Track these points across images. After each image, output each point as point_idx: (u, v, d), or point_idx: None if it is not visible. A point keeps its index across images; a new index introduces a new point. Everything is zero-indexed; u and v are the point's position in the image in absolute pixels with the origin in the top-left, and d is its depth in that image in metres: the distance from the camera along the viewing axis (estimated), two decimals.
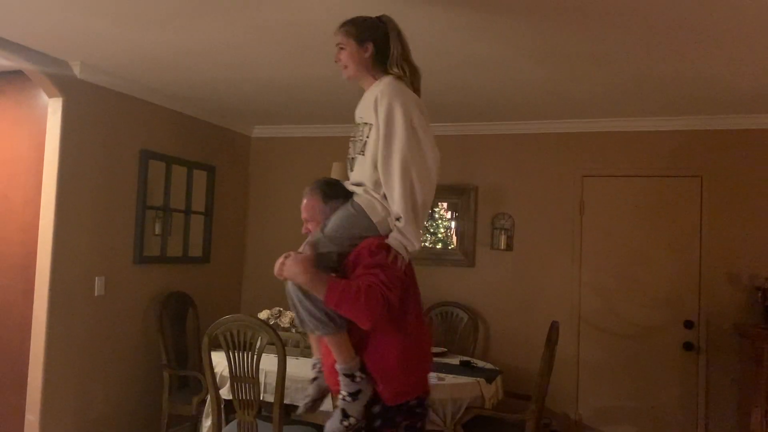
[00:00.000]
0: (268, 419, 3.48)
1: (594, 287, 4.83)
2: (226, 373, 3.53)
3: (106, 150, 4.27)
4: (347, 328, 2.00)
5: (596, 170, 4.88)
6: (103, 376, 4.27)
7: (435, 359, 4.12)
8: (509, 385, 4.30)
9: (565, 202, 4.93)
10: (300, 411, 2.24)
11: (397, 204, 1.95)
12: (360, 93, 2.21)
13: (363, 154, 2.07)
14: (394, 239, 1.96)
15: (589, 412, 4.78)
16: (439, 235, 5.32)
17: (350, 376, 1.97)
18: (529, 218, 5.01)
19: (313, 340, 2.29)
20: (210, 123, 5.31)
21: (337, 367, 2.00)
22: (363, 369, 1.99)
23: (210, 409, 3.64)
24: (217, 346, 3.49)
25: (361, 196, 2.05)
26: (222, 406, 3.58)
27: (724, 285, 4.50)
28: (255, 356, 3.40)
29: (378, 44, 2.11)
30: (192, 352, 4.82)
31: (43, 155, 4.00)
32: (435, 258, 5.26)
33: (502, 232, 5.03)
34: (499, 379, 4.00)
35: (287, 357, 3.40)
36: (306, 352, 4.04)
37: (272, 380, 3.49)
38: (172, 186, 4.86)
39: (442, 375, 3.71)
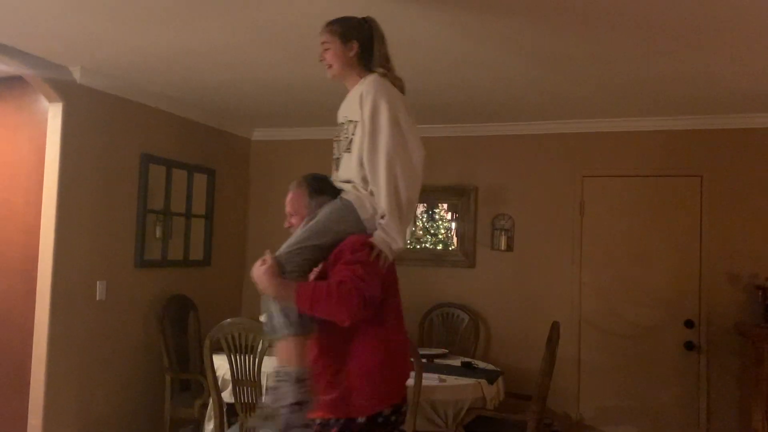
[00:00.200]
0: None
1: (594, 287, 4.84)
2: (228, 376, 3.54)
3: (106, 154, 4.28)
4: (325, 334, 1.96)
5: (596, 170, 4.88)
6: (105, 380, 4.28)
7: (437, 360, 4.16)
8: (510, 386, 4.31)
9: (565, 203, 4.93)
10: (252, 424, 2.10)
11: (382, 201, 1.95)
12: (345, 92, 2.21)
13: (349, 152, 2.06)
14: (378, 237, 1.94)
15: (590, 412, 4.79)
16: (440, 236, 5.33)
17: (300, 382, 1.90)
18: (530, 219, 5.01)
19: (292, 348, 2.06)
20: (210, 126, 5.32)
21: (288, 369, 1.92)
22: (308, 378, 1.92)
23: (212, 413, 3.65)
24: (218, 350, 3.50)
25: (350, 193, 2.04)
26: (224, 409, 3.58)
27: (725, 284, 4.50)
28: (257, 359, 3.40)
29: (363, 43, 2.12)
30: (194, 356, 4.82)
31: (44, 159, 4.01)
32: (435, 259, 5.27)
33: (503, 233, 5.03)
34: (500, 379, 4.01)
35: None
36: None
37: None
38: (173, 189, 4.86)
39: (443, 376, 3.71)
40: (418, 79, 3.90)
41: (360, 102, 2.02)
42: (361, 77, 2.11)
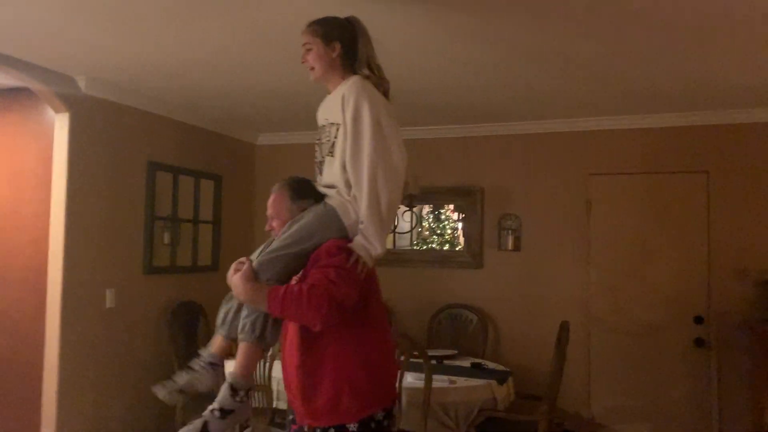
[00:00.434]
0: (281, 426, 3.49)
1: (603, 286, 4.83)
2: None
3: (113, 163, 4.30)
4: (307, 342, 1.95)
5: (602, 168, 4.87)
6: (116, 387, 4.30)
7: (446, 362, 4.15)
8: (520, 386, 4.31)
9: (572, 201, 4.93)
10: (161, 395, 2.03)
11: (362, 206, 1.92)
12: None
13: (332, 155, 2.03)
14: (357, 242, 1.92)
15: (601, 411, 4.78)
16: (446, 237, 5.33)
17: (234, 391, 1.88)
18: (537, 218, 5.01)
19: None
20: (215, 132, 5.34)
21: (228, 373, 1.92)
22: (247, 395, 1.91)
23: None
24: (229, 355, 3.50)
25: (333, 198, 2.01)
26: None
27: (733, 280, 4.48)
28: (267, 364, 3.41)
29: (346, 44, 2.07)
30: None
31: (51, 170, 4.03)
32: (442, 260, 5.27)
33: (510, 233, 5.03)
34: (510, 380, 4.00)
35: None
36: None
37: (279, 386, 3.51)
38: (180, 196, 4.89)
39: (453, 378, 3.71)
40: (420, 80, 3.91)
41: (342, 105, 1.98)
42: (343, 79, 2.07)
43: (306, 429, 1.98)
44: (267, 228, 2.10)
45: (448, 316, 5.11)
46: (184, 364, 4.87)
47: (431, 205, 5.35)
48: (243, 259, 1.96)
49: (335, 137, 2.01)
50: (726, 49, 3.26)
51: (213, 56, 3.55)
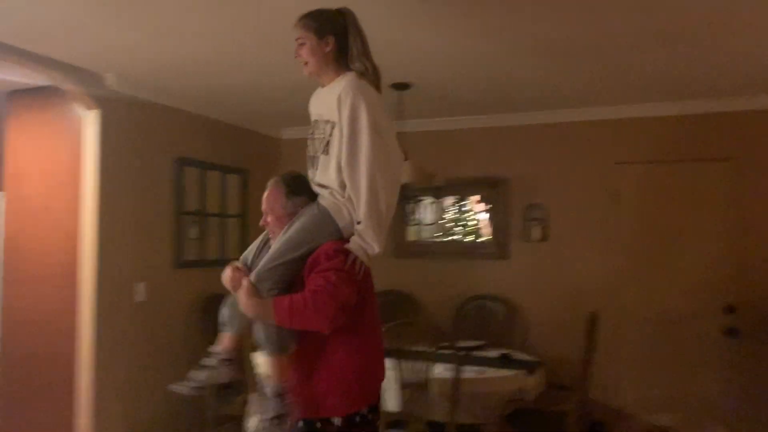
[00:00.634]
0: None
1: (631, 275, 4.78)
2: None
3: (142, 159, 4.36)
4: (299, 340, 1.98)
5: (630, 157, 4.82)
6: (149, 379, 4.37)
7: (475, 353, 4.14)
8: (550, 377, 4.28)
9: (600, 190, 4.88)
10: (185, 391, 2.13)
11: (360, 207, 1.92)
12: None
13: (326, 154, 2.02)
14: (354, 243, 1.92)
15: (631, 401, 4.74)
16: (472, 229, 5.32)
17: (279, 397, 1.94)
18: (564, 208, 4.97)
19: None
20: (241, 127, 5.38)
21: (269, 387, 1.96)
22: (287, 392, 1.95)
23: (252, 409, 3.70)
24: (241, 346, 3.54)
25: (326, 199, 2.01)
26: None
27: (765, 268, 4.41)
28: None
29: (339, 38, 2.04)
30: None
31: (81, 166, 4.10)
32: (468, 251, 5.26)
33: (536, 223, 5.00)
34: (539, 370, 3.98)
35: None
36: None
37: None
38: (207, 191, 4.94)
39: (482, 369, 3.71)
40: (443, 71, 3.90)
41: (338, 104, 1.96)
42: (337, 74, 2.05)
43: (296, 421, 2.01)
44: (261, 223, 2.12)
45: (475, 308, 5.10)
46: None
47: (456, 197, 5.33)
48: (237, 264, 2.03)
49: (330, 135, 2.00)
50: (748, 33, 3.20)
51: (239, 52, 3.57)
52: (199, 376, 2.09)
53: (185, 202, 4.70)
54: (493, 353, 4.20)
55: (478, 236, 5.28)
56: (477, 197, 5.30)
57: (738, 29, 3.15)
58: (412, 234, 5.50)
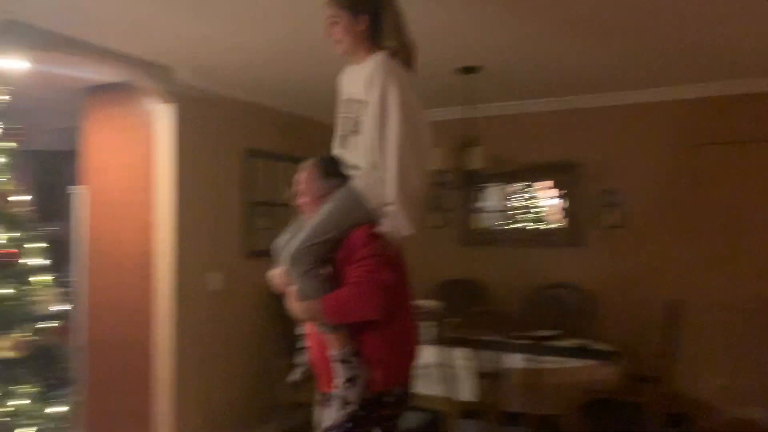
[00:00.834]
0: None
1: (711, 260, 4.56)
2: None
3: (213, 151, 4.44)
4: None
5: (710, 138, 4.58)
6: (224, 366, 4.47)
7: (549, 342, 4.04)
8: (628, 367, 4.12)
9: (678, 174, 4.66)
10: (292, 379, 2.21)
11: (391, 188, 1.92)
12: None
13: (357, 134, 2.02)
14: (386, 224, 1.93)
15: (713, 393, 4.53)
16: (544, 215, 5.19)
17: (346, 362, 1.94)
18: (640, 192, 4.78)
19: None
20: (309, 118, 5.41)
21: (332, 353, 1.97)
22: (356, 353, 1.95)
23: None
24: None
25: (358, 180, 2.00)
26: None
27: None
28: None
29: (373, 16, 2.01)
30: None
31: (153, 159, 4.21)
32: (538, 239, 5.15)
33: (612, 209, 4.83)
34: (617, 360, 3.85)
35: None
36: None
37: None
38: (276, 181, 5.00)
39: (559, 359, 3.61)
40: (511, 54, 3.80)
41: (369, 84, 1.95)
42: (370, 52, 2.02)
43: (325, 395, 2.06)
44: (296, 204, 2.14)
45: (547, 296, 4.97)
46: (285, 342, 5.00)
47: (525, 183, 5.21)
48: (279, 275, 2.09)
49: (361, 115, 1.99)
50: None
51: (309, 43, 3.56)
52: (302, 359, 2.18)
53: (255, 192, 4.77)
54: (569, 343, 4.09)
55: (548, 223, 5.15)
56: (547, 183, 5.16)
57: None
58: (479, 222, 5.41)
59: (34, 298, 2.51)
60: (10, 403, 2.32)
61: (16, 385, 2.31)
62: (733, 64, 4.06)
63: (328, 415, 1.99)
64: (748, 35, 3.46)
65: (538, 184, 5.21)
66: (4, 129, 2.59)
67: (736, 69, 4.17)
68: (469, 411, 3.42)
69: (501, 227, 5.34)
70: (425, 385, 3.60)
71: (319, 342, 2.05)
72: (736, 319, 4.48)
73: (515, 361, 3.46)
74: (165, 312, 4.13)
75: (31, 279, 2.54)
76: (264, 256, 4.81)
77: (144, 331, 4.23)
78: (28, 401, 2.33)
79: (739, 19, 3.22)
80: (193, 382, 4.23)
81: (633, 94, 4.75)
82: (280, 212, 5.06)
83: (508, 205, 5.32)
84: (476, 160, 4.29)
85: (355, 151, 2.04)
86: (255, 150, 4.78)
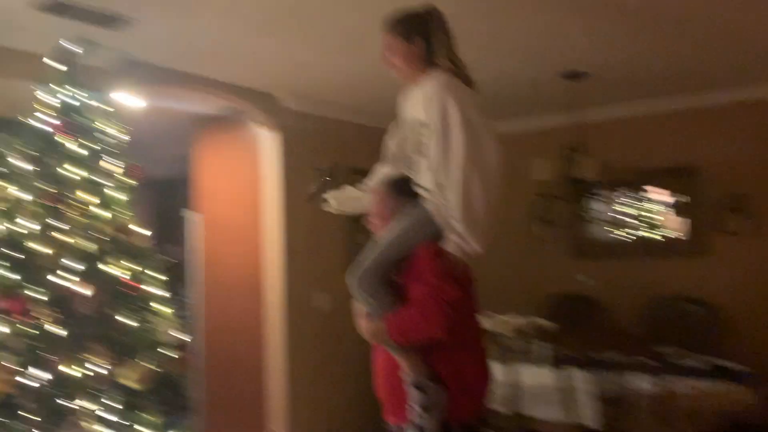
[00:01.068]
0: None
1: None
2: None
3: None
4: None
5: None
6: (334, 385, 4.49)
7: (677, 362, 3.77)
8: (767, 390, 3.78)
9: None
10: None
11: (455, 206, 1.88)
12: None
13: (422, 155, 1.99)
14: (451, 242, 1.89)
15: None
16: (660, 224, 4.88)
17: (422, 388, 1.88)
18: None
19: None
20: None
21: (406, 378, 1.91)
22: (433, 378, 1.88)
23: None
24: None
25: (428, 201, 1.96)
26: None
27: None
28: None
29: (426, 38, 2.03)
30: None
31: (261, 184, 4.32)
32: (655, 248, 4.84)
33: (740, 215, 4.45)
34: (755, 382, 3.53)
35: (515, 365, 3.30)
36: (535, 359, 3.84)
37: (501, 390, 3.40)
38: None
39: (687, 380, 3.35)
40: (616, 53, 3.60)
41: (429, 103, 1.94)
42: (426, 73, 2.02)
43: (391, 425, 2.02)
44: (366, 222, 2.14)
45: (668, 310, 4.65)
46: None
47: (639, 190, 4.93)
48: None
49: (424, 136, 1.98)
50: None
51: None
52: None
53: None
54: (698, 362, 3.79)
55: (665, 232, 4.84)
56: (663, 189, 4.85)
57: None
58: (591, 232, 5.17)
59: (157, 328, 2.60)
60: None
61: (141, 415, 2.39)
62: None
63: None
64: None
65: (652, 191, 4.91)
66: (124, 167, 2.71)
67: None
68: None
69: (614, 238, 5.07)
70: (542, 409, 3.46)
71: (385, 366, 2.01)
72: None
73: (640, 382, 3.24)
74: (276, 333, 4.21)
75: (152, 309, 2.63)
76: None
77: (257, 353, 4.33)
78: (152, 431, 2.40)
79: None
80: (305, 402, 4.28)
81: (760, 88, 4.36)
82: None
83: (621, 214, 5.05)
84: (586, 169, 4.11)
85: (420, 172, 2.02)
86: (358, 169, 4.79)
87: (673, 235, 4.82)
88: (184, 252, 5.25)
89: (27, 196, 2.45)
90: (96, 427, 2.28)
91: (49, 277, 2.36)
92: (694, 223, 4.68)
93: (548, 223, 5.23)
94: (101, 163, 2.65)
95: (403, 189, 2.07)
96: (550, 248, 5.23)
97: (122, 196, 2.70)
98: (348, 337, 4.59)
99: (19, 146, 2.52)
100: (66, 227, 2.46)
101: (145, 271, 2.68)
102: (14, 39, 2.97)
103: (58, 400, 2.26)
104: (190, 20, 2.94)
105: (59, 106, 2.60)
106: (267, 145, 4.32)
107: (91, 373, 2.31)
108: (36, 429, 2.21)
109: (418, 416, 1.88)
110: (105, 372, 2.34)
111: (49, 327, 2.30)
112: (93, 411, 2.29)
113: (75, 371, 2.26)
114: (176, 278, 5.22)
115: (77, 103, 2.64)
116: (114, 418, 2.32)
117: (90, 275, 2.43)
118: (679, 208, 4.78)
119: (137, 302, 2.58)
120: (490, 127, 1.96)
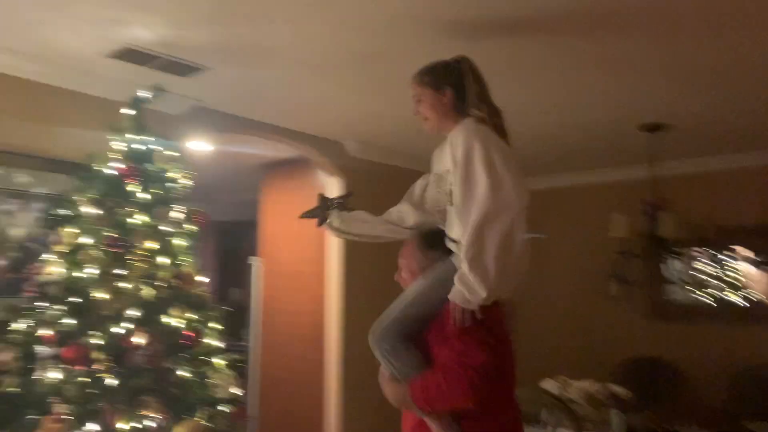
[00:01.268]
0: None
1: None
2: None
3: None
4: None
5: None
6: None
7: None
8: None
9: None
10: None
11: (464, 245, 1.75)
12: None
13: (452, 205, 1.89)
14: (455, 290, 1.74)
15: None
16: (746, 286, 4.53)
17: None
18: None
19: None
20: None
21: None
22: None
23: None
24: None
25: (457, 257, 1.82)
26: None
27: None
28: None
29: (456, 87, 1.97)
30: None
31: (326, 231, 4.25)
32: (744, 313, 4.50)
33: None
34: None
35: None
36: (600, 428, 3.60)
37: None
38: None
39: None
40: (697, 105, 3.41)
41: (454, 149, 1.86)
42: (457, 123, 1.95)
43: None
44: (396, 277, 2.04)
45: (757, 380, 4.27)
46: None
47: (724, 249, 4.61)
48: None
49: (452, 184, 1.89)
50: None
51: None
52: None
53: None
54: None
55: (752, 295, 4.49)
56: (749, 249, 4.53)
57: None
58: (671, 293, 4.85)
59: (212, 382, 2.52)
60: None
61: None
62: None
63: None
64: None
65: (738, 250, 4.59)
66: (187, 212, 2.69)
67: None
68: None
69: (696, 300, 4.74)
70: None
71: (413, 426, 1.87)
72: None
73: None
74: (333, 386, 4.08)
75: (208, 361, 2.56)
76: None
77: (317, 404, 4.20)
78: None
79: None
80: None
81: None
82: None
83: (703, 275, 4.72)
84: (666, 226, 3.86)
85: (451, 223, 1.92)
86: None
87: (759, 298, 4.47)
88: (248, 294, 5.25)
89: (89, 240, 2.44)
90: None
91: (107, 326, 2.32)
92: None
93: (626, 282, 4.94)
94: (165, 209, 2.63)
95: (433, 243, 1.97)
96: (626, 309, 4.93)
97: (184, 242, 2.66)
98: None
99: (88, 191, 2.52)
100: (125, 273, 2.43)
101: (204, 321, 2.62)
102: (87, 85, 3.04)
103: None
104: (260, 71, 2.95)
105: (127, 150, 2.61)
106: (332, 192, 4.28)
107: (140, 426, 2.23)
108: None
109: None
110: (155, 426, 2.26)
111: (102, 376, 2.25)
112: None
113: (124, 425, 2.19)
114: (239, 322, 5.22)
115: (145, 148, 2.65)
116: None
117: (146, 323, 2.38)
118: (765, 270, 4.44)
119: (193, 354, 2.51)
120: (517, 172, 1.83)
